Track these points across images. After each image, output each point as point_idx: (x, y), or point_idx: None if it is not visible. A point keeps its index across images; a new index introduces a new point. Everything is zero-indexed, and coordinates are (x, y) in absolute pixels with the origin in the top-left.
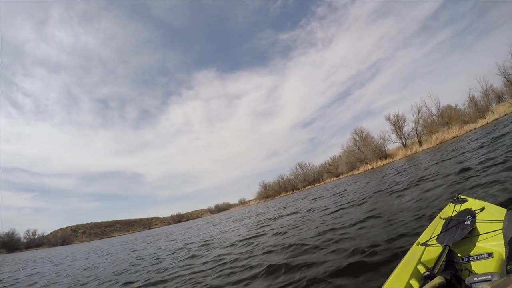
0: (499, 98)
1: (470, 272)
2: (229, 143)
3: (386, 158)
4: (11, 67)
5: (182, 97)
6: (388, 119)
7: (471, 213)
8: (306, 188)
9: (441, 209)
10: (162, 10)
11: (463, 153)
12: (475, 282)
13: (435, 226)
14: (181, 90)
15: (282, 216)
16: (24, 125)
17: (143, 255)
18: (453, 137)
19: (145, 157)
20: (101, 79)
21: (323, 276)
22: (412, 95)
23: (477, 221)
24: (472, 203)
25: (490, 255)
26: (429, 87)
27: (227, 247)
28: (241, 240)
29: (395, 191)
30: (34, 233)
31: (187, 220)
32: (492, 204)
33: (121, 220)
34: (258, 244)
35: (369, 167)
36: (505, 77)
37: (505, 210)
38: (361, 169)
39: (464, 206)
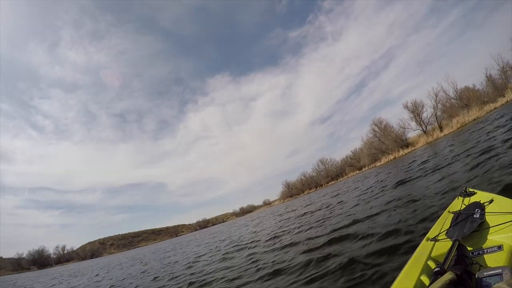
0: None
1: (481, 266)
2: (249, 146)
3: (407, 146)
4: (28, 91)
5: (198, 104)
6: (406, 106)
7: (480, 206)
8: (330, 184)
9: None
10: (170, 21)
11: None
12: (485, 276)
13: (444, 221)
14: (197, 98)
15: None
16: (46, 145)
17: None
18: (474, 119)
19: (167, 166)
20: (117, 94)
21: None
22: (429, 80)
23: (486, 213)
24: (481, 196)
25: (500, 247)
26: (444, 70)
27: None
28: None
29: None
30: (63, 248)
31: (213, 225)
32: (501, 196)
33: (147, 230)
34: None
35: (391, 157)
36: None
37: None
38: (383, 160)
39: (472, 199)
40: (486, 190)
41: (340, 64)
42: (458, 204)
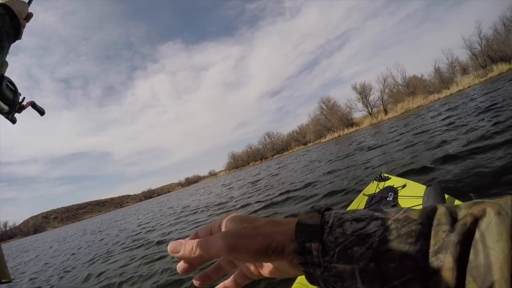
0: (464, 71)
1: None
2: (197, 115)
3: (352, 126)
4: None
5: (148, 71)
6: (355, 88)
7: (394, 190)
8: (275, 157)
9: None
10: None
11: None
12: None
13: (359, 203)
14: (146, 64)
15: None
16: None
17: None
18: (418, 106)
19: (113, 135)
20: (63, 57)
21: None
22: (380, 64)
23: (399, 197)
24: (395, 181)
25: None
26: (397, 57)
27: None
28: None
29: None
30: (5, 225)
31: (158, 195)
32: (413, 182)
33: (92, 202)
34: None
35: (336, 135)
36: (470, 51)
37: (424, 187)
38: (328, 137)
39: (387, 183)
40: (407, 168)
41: (295, 40)
42: (373, 187)
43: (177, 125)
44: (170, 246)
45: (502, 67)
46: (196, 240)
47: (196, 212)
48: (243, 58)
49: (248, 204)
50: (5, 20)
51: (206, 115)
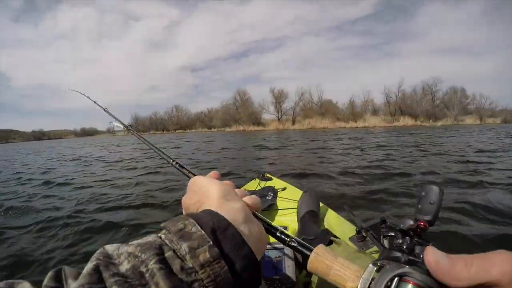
0: (375, 112)
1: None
2: (112, 65)
3: (259, 125)
4: None
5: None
6: (272, 92)
7: (274, 190)
8: (177, 131)
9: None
10: None
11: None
12: (268, 249)
13: None
14: None
15: None
16: None
17: None
18: (323, 127)
19: (18, 57)
20: None
21: None
22: (304, 79)
23: (278, 198)
24: (276, 182)
25: (285, 228)
26: (321, 78)
27: None
28: None
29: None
30: None
31: (49, 139)
32: (293, 186)
33: None
34: None
35: (241, 128)
36: (386, 98)
37: (301, 192)
38: (233, 128)
39: (268, 183)
40: (294, 172)
41: (234, 26)
42: (254, 184)
43: (88, 68)
44: (431, 255)
45: (408, 121)
46: (468, 256)
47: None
48: (178, 23)
49: None
50: (217, 278)
51: (120, 67)
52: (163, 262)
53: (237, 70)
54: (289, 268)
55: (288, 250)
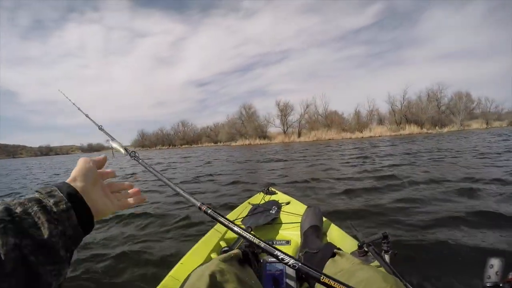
0: (380, 121)
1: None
2: (118, 82)
3: (265, 138)
4: None
5: (84, 17)
6: (278, 104)
7: (277, 205)
8: (183, 146)
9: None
10: None
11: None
12: (270, 262)
13: (243, 209)
14: (86, 9)
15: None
16: None
17: None
18: (329, 139)
19: (26, 74)
20: None
21: None
22: (309, 90)
23: (281, 212)
24: (280, 196)
25: (288, 242)
26: (325, 89)
27: None
28: None
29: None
30: None
31: (56, 154)
32: (296, 201)
33: None
34: None
35: (247, 142)
36: (391, 107)
37: (305, 207)
38: (239, 142)
39: (273, 197)
40: (295, 185)
41: (239, 40)
42: (258, 198)
43: (94, 85)
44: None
45: (413, 129)
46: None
47: None
48: (183, 39)
49: None
50: (69, 220)
51: (127, 84)
52: (42, 206)
53: (243, 83)
54: (290, 282)
55: None
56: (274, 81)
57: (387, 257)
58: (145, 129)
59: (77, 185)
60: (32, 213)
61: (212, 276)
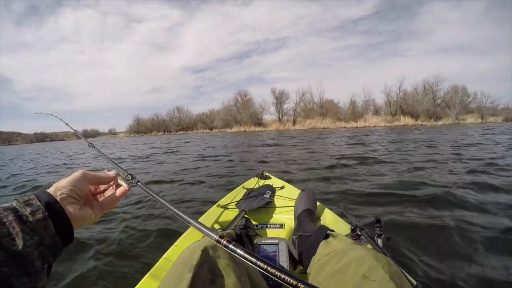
0: (376, 112)
1: (262, 237)
2: (113, 67)
3: (260, 125)
4: None
5: (80, 2)
6: (273, 92)
7: (272, 189)
8: (178, 132)
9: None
10: None
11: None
12: (263, 244)
13: (237, 194)
14: None
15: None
16: None
17: None
18: (324, 128)
19: (20, 60)
20: None
21: None
22: (305, 79)
23: (275, 196)
24: (274, 181)
25: (282, 226)
26: (322, 78)
27: None
28: None
29: None
30: None
31: (51, 140)
32: (290, 185)
33: None
34: None
35: (242, 129)
36: (387, 97)
37: (299, 191)
38: (234, 129)
39: (267, 182)
40: (304, 166)
41: (236, 27)
42: (253, 182)
43: (89, 70)
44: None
45: (408, 120)
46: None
47: None
48: (180, 25)
49: None
50: (46, 230)
51: (122, 69)
52: (17, 216)
53: (239, 70)
54: (283, 264)
55: (283, 246)
56: (271, 68)
57: (380, 241)
58: (140, 115)
59: (57, 194)
60: (7, 223)
61: (205, 251)
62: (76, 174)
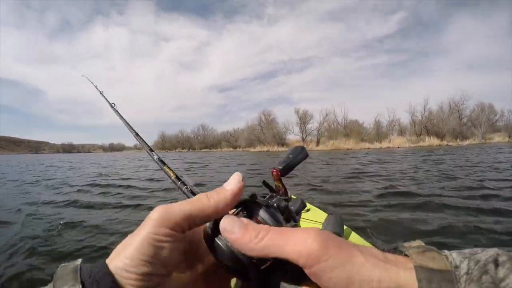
0: (401, 132)
1: None
2: (142, 84)
3: (283, 145)
4: None
5: (110, 20)
6: (297, 112)
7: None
8: (203, 150)
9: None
10: None
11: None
12: None
13: None
14: (112, 12)
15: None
16: None
17: None
18: (348, 148)
19: (53, 73)
20: None
21: None
22: (330, 99)
23: (301, 219)
24: None
25: None
26: (347, 98)
27: None
28: None
29: None
30: None
31: (78, 152)
32: (317, 208)
33: (6, 137)
34: None
35: (265, 149)
36: (411, 117)
37: (325, 214)
38: (257, 148)
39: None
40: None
41: (262, 47)
42: None
43: (119, 86)
44: (226, 222)
45: (434, 141)
46: (267, 227)
47: None
48: (207, 44)
49: None
50: None
51: (150, 86)
52: None
53: (265, 90)
54: None
55: None
56: (295, 89)
57: None
58: (165, 131)
59: (118, 265)
60: None
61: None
62: (148, 225)
